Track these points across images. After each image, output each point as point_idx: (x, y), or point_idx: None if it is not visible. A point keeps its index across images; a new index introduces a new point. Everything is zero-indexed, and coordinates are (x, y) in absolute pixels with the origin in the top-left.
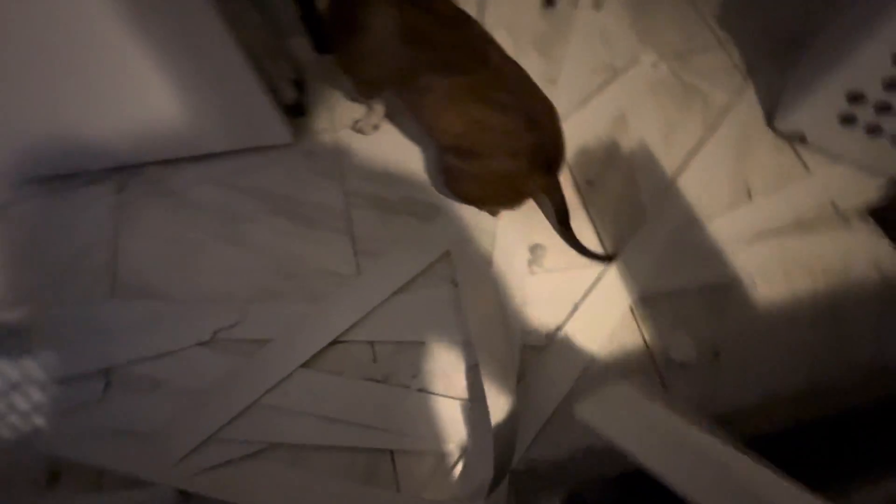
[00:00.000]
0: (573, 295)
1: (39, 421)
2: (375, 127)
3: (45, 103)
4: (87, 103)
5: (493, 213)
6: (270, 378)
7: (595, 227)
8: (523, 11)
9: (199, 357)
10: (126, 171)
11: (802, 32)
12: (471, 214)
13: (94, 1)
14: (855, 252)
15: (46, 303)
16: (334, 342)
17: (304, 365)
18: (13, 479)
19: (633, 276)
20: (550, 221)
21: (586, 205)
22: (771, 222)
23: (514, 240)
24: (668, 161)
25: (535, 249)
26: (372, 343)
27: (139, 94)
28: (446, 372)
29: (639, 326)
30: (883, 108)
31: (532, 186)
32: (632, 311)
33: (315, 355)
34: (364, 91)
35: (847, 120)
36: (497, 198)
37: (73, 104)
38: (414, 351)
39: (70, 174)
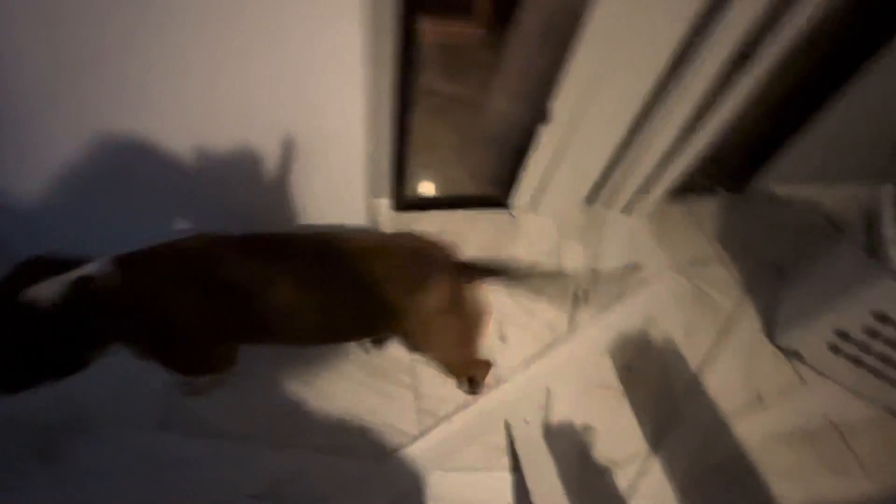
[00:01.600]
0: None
1: None
2: (216, 383)
3: None
4: None
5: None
6: None
7: (636, 415)
8: (569, 205)
9: None
10: None
11: (786, 262)
12: (528, 386)
13: None
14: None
15: None
16: None
17: None
18: None
19: (671, 474)
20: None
21: (627, 391)
22: (782, 428)
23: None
24: (690, 356)
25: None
26: None
27: None
28: None
29: None
30: (864, 347)
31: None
32: None
33: None
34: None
35: (835, 349)
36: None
37: None
38: None
39: None
